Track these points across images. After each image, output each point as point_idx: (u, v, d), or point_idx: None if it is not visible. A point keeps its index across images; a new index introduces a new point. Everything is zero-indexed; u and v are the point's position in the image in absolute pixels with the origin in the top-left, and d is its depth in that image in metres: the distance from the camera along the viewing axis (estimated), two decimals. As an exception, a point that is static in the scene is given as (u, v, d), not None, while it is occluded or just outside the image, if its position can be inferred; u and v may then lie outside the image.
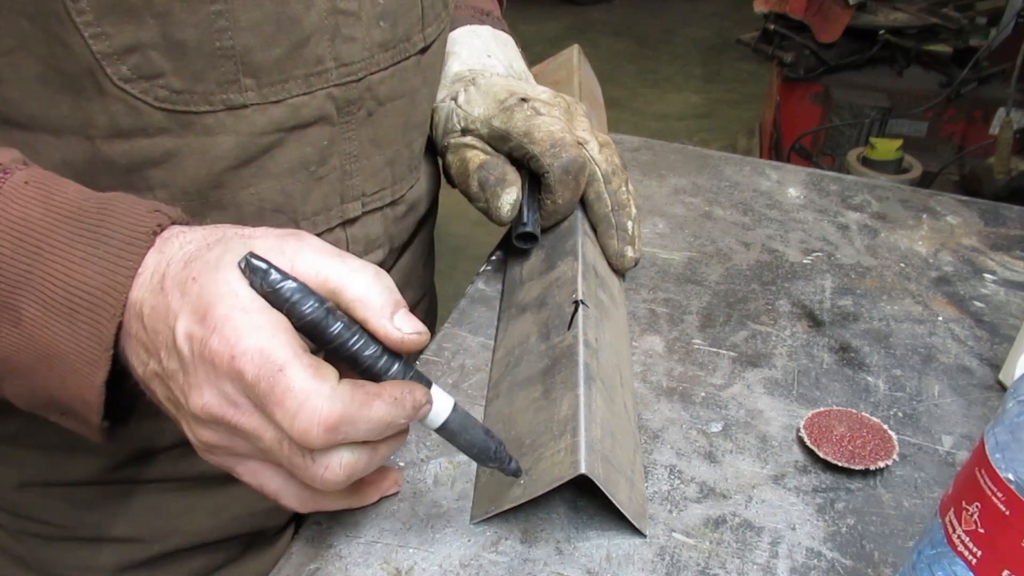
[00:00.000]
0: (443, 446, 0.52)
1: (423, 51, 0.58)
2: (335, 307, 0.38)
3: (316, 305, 0.37)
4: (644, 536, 0.46)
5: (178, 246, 0.39)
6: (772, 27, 2.39)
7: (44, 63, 0.43)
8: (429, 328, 0.44)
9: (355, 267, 0.39)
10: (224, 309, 0.36)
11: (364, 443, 0.38)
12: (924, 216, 0.81)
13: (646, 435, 0.53)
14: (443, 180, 0.71)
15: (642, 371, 0.59)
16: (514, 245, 0.64)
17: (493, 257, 0.71)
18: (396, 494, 0.49)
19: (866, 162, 2.06)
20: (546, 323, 0.56)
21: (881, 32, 2.27)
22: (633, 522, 0.46)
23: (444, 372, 0.58)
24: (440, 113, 0.65)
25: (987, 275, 0.72)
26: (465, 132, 0.64)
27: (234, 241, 0.38)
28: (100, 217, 0.39)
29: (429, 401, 0.39)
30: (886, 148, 2.04)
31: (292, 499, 0.42)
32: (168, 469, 0.58)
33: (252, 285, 0.37)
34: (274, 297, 0.37)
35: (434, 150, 0.68)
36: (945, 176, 2.07)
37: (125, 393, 0.42)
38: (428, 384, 0.40)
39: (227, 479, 0.60)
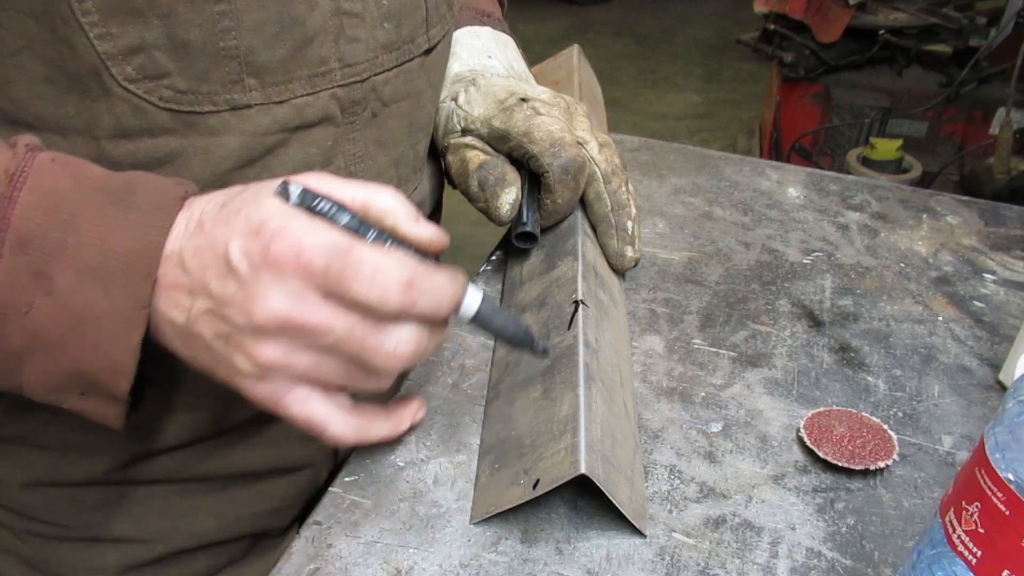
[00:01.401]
0: (443, 446, 0.52)
1: (427, 52, 0.58)
2: (365, 219, 0.42)
3: (351, 217, 0.41)
4: (644, 536, 0.46)
5: (206, 201, 0.42)
6: (772, 27, 2.39)
7: (50, 64, 0.43)
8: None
9: (376, 187, 0.44)
10: (277, 221, 0.39)
11: (421, 325, 0.41)
12: (924, 216, 0.81)
13: (646, 435, 0.54)
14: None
15: (642, 371, 0.59)
16: (514, 245, 0.64)
17: (493, 257, 0.71)
18: (414, 427, 0.52)
19: (866, 162, 2.06)
20: (546, 323, 0.56)
21: (881, 32, 2.27)
22: (633, 522, 0.46)
23: (444, 372, 0.58)
24: (440, 113, 0.66)
25: (987, 275, 0.72)
26: (465, 132, 0.64)
27: (261, 185, 0.42)
28: (128, 188, 0.41)
29: (466, 285, 0.44)
30: (886, 148, 2.04)
31: (340, 425, 0.44)
32: (172, 470, 0.58)
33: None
34: (313, 212, 0.41)
35: (436, 151, 0.68)
36: (945, 176, 2.07)
37: (140, 377, 0.43)
38: None
39: (231, 480, 0.61)
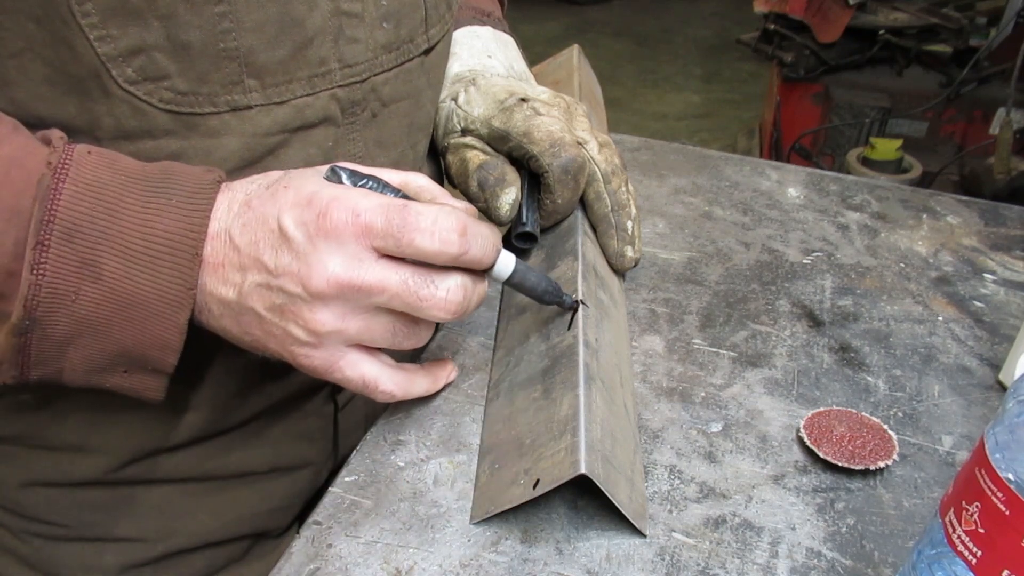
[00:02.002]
0: (443, 446, 0.52)
1: (427, 52, 0.58)
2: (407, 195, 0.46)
3: (396, 193, 0.45)
4: (644, 536, 0.46)
5: (247, 182, 0.44)
6: (772, 27, 2.39)
7: (50, 65, 0.43)
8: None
9: (406, 170, 0.49)
10: (329, 192, 0.42)
11: (468, 273, 0.45)
12: (924, 216, 0.81)
13: (646, 435, 0.54)
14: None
15: (642, 371, 0.59)
16: (514, 245, 0.64)
17: (493, 257, 0.71)
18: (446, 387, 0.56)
19: (866, 162, 2.07)
20: (546, 323, 0.56)
21: (881, 32, 2.27)
22: (633, 522, 0.46)
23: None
24: (440, 113, 0.66)
25: (987, 275, 0.72)
26: (465, 132, 0.64)
27: (303, 169, 0.45)
28: (164, 177, 0.43)
29: (500, 239, 0.47)
30: (886, 148, 2.04)
31: (390, 383, 0.47)
32: (172, 470, 0.58)
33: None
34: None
35: (436, 151, 0.68)
36: (945, 176, 2.07)
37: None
38: None
39: (230, 480, 0.61)
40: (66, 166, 0.40)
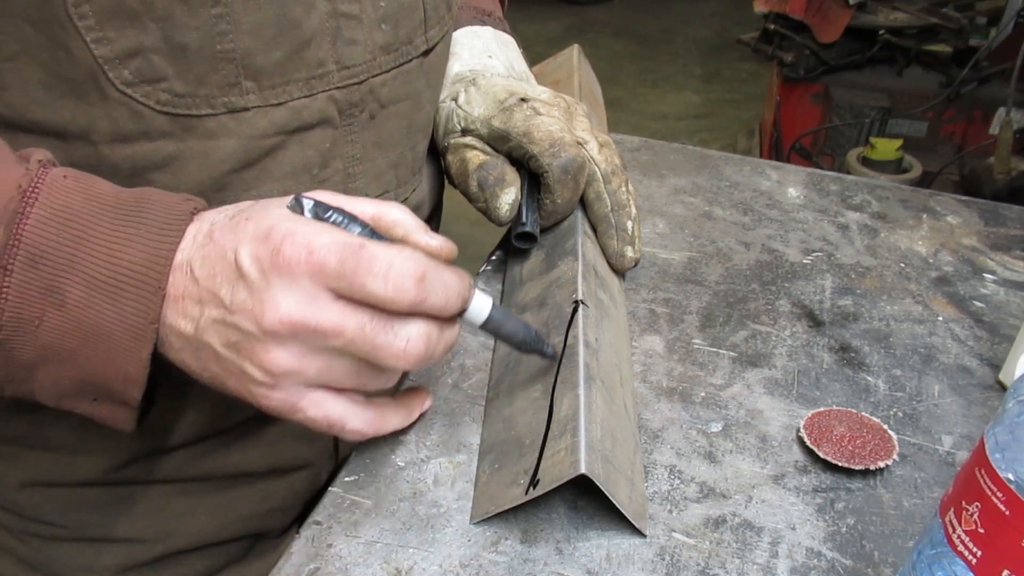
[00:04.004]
0: (443, 446, 0.52)
1: (426, 53, 0.58)
2: (376, 230, 0.43)
3: (363, 227, 0.42)
4: (644, 536, 0.46)
5: (215, 213, 0.43)
6: (772, 27, 2.39)
7: (46, 68, 0.43)
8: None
9: (382, 201, 0.45)
10: (286, 226, 0.40)
11: (432, 321, 0.42)
12: (924, 216, 0.81)
13: (646, 435, 0.54)
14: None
15: (642, 371, 0.59)
16: (514, 245, 0.64)
17: (493, 257, 0.71)
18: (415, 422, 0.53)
19: (866, 162, 2.06)
20: (546, 323, 0.56)
21: (881, 32, 2.27)
22: (633, 522, 0.46)
23: (444, 372, 0.58)
24: (441, 113, 0.66)
25: (987, 275, 0.72)
26: (465, 132, 0.64)
27: (271, 199, 0.43)
28: (137, 205, 0.41)
29: (473, 286, 0.44)
30: (886, 148, 2.04)
31: (358, 422, 0.44)
32: (171, 470, 0.58)
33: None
34: (326, 223, 0.41)
35: (436, 151, 0.68)
36: (945, 176, 2.07)
37: (151, 381, 0.43)
38: None
39: (229, 480, 0.61)
40: (36, 190, 0.39)
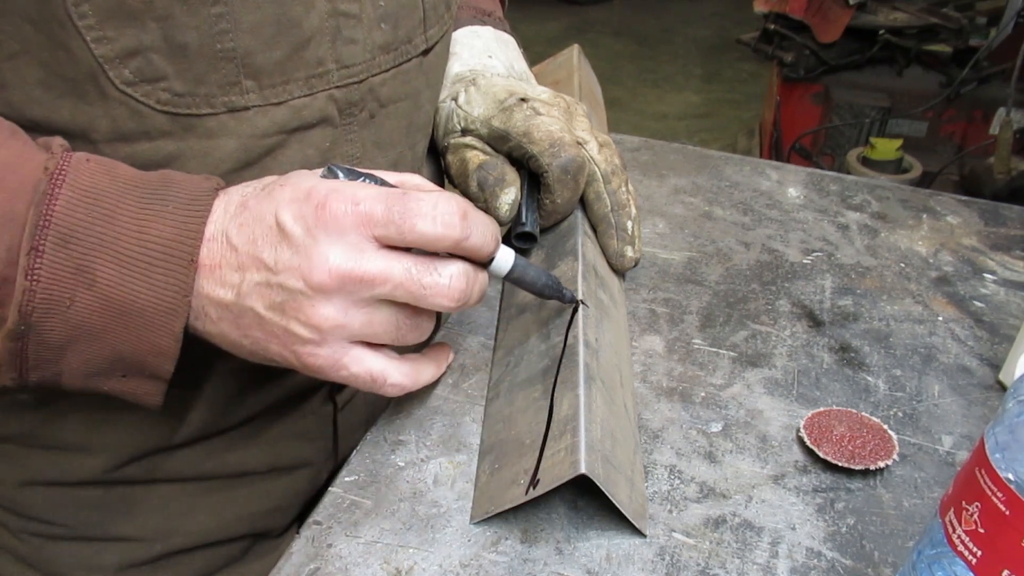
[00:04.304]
0: (443, 446, 0.52)
1: (425, 53, 0.58)
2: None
3: (394, 186, 0.44)
4: (644, 536, 0.46)
5: (243, 186, 0.44)
6: (772, 27, 2.39)
7: (46, 68, 0.43)
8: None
9: (404, 171, 0.49)
10: (328, 184, 0.42)
11: (469, 261, 0.45)
12: (924, 216, 0.81)
13: (646, 435, 0.54)
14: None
15: (642, 371, 0.59)
16: (514, 245, 0.64)
17: (493, 257, 0.71)
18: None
19: (866, 162, 2.07)
20: (546, 323, 0.56)
21: (881, 32, 2.27)
22: (633, 522, 0.46)
23: (444, 372, 0.58)
24: (441, 113, 0.66)
25: (987, 275, 0.72)
26: (465, 132, 0.64)
27: (298, 171, 0.45)
28: (162, 184, 0.42)
29: (500, 233, 0.47)
30: (886, 148, 2.04)
31: (398, 375, 0.47)
32: (171, 470, 0.58)
33: None
34: None
35: (436, 151, 0.68)
36: (945, 176, 2.07)
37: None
38: None
39: (230, 479, 0.61)
40: (63, 172, 0.40)
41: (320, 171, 0.44)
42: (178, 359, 0.44)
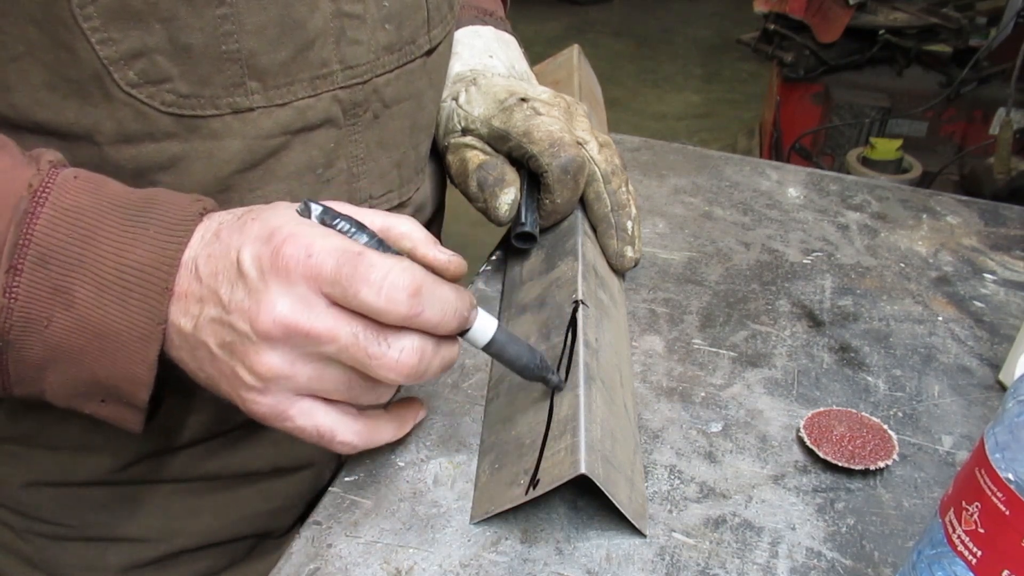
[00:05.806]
0: (443, 446, 0.52)
1: (429, 53, 0.58)
2: (384, 241, 0.42)
3: (370, 237, 0.41)
4: (644, 536, 0.46)
5: (224, 213, 0.43)
6: (772, 27, 2.39)
7: (51, 69, 0.43)
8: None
9: (392, 213, 0.45)
10: (290, 227, 0.39)
11: (427, 337, 0.41)
12: (924, 216, 0.81)
13: (646, 435, 0.54)
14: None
15: (642, 371, 0.59)
16: (514, 245, 0.65)
17: (493, 257, 0.71)
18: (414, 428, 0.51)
19: (866, 162, 2.07)
20: (546, 323, 0.56)
21: (881, 32, 2.27)
22: (633, 522, 0.46)
23: (444, 373, 0.58)
24: (441, 113, 0.66)
25: (987, 275, 0.72)
26: (465, 132, 0.64)
27: (283, 202, 0.43)
28: (147, 205, 0.41)
29: (475, 306, 0.43)
30: (886, 148, 2.04)
31: (348, 433, 0.43)
32: (175, 470, 0.58)
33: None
34: (332, 230, 0.41)
35: (437, 151, 0.68)
36: (945, 176, 2.07)
37: (160, 382, 0.43)
38: None
39: (233, 480, 0.61)
40: (47, 190, 0.40)
41: (298, 205, 0.42)
42: (171, 374, 0.43)
